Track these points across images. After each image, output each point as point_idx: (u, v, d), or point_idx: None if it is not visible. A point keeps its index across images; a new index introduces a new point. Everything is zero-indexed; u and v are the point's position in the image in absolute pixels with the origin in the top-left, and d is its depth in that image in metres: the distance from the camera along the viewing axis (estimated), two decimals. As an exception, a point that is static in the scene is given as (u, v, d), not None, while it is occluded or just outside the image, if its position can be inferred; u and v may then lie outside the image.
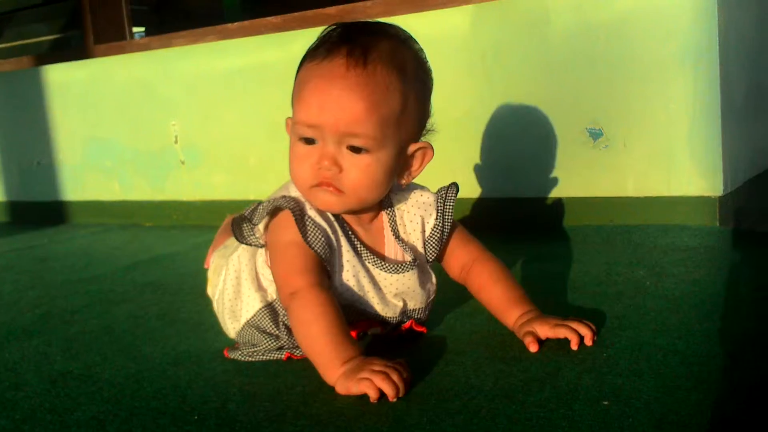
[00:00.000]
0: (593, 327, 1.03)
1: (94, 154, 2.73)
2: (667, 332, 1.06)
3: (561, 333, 1.02)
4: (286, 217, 1.01)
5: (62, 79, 2.79)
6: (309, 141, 0.99)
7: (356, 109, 0.95)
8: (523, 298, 1.09)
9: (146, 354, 1.17)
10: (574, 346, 1.00)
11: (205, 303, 1.39)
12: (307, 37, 1.05)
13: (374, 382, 0.88)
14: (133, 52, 2.64)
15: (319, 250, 1.00)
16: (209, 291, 1.28)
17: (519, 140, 1.92)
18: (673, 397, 0.84)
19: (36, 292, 1.69)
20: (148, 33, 4.27)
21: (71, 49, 2.95)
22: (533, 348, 1.01)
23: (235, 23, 2.43)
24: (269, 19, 2.34)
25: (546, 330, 1.02)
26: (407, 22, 1.99)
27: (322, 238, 1.01)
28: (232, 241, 1.26)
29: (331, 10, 2.21)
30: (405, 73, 1.00)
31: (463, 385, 0.93)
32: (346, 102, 0.95)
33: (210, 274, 1.27)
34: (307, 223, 1.01)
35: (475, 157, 1.96)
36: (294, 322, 0.98)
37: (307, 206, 1.03)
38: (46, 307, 1.52)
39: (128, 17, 2.88)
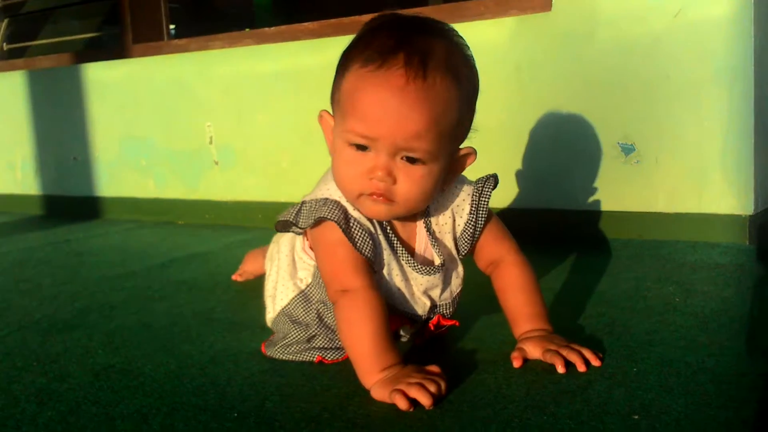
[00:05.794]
0: (592, 357, 1.02)
1: (130, 152, 2.79)
2: (697, 350, 1.07)
3: (548, 359, 1.01)
4: (331, 224, 1.02)
5: (100, 78, 2.86)
6: (360, 147, 0.96)
7: (416, 125, 0.92)
8: (539, 315, 1.09)
9: (185, 351, 1.20)
10: (560, 369, 0.99)
11: (238, 303, 1.43)
12: (343, 44, 1.05)
13: (407, 393, 0.90)
14: (171, 53, 2.69)
15: (368, 255, 1.01)
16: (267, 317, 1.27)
17: (551, 153, 1.94)
18: (704, 414, 0.86)
19: (74, 286, 1.74)
20: (178, 31, 4.33)
21: (109, 47, 3.00)
22: (515, 363, 1.02)
23: (273, 28, 2.47)
24: (306, 24, 2.38)
25: (536, 353, 1.03)
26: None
27: (370, 241, 1.02)
28: (277, 237, 1.29)
29: (368, 18, 2.24)
30: (460, 81, 0.96)
31: (494, 394, 0.95)
32: (405, 117, 0.92)
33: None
34: (353, 227, 1.01)
35: (507, 168, 1.98)
36: (341, 319, 0.99)
37: (350, 208, 1.03)
38: (85, 302, 1.57)
39: (166, 17, 2.93)
